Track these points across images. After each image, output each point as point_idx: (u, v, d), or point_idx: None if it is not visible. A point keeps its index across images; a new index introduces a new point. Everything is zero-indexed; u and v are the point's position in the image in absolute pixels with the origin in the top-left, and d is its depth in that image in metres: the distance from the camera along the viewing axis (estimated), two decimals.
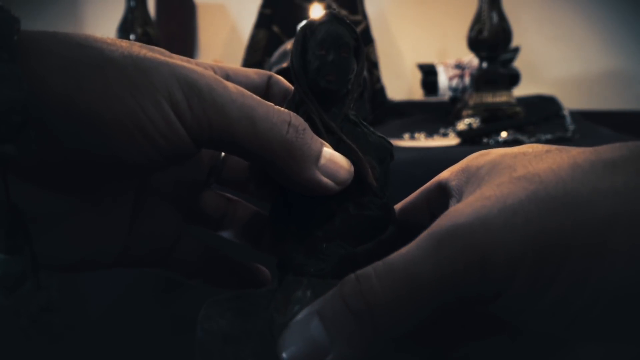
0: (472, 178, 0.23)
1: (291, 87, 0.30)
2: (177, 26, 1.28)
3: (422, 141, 0.84)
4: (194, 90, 0.23)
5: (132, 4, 0.96)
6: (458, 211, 0.20)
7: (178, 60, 0.25)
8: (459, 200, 0.23)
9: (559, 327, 0.20)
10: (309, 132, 0.25)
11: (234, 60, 1.17)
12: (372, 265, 0.21)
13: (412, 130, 0.88)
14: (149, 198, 0.29)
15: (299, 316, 0.21)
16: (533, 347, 0.23)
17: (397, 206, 0.29)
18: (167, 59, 0.24)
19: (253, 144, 0.24)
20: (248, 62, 1.06)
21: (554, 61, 1.44)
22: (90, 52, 0.23)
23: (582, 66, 1.44)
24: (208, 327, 0.25)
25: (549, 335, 0.20)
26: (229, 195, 0.32)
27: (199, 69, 0.24)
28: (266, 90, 0.30)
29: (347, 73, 0.26)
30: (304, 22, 0.27)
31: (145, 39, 0.96)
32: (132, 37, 0.95)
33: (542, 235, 0.19)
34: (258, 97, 0.24)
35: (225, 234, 0.32)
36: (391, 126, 0.96)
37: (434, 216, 0.26)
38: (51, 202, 0.25)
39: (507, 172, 0.21)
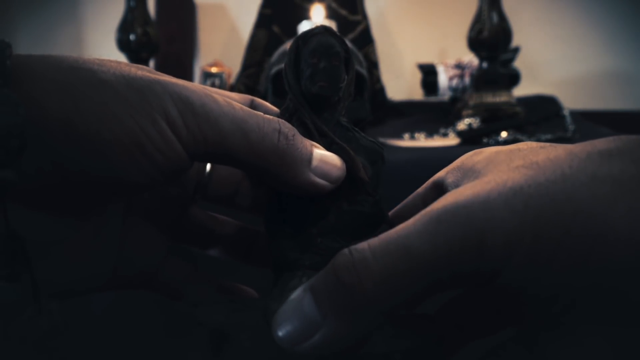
0: (469, 172, 0.23)
1: (273, 108, 0.31)
2: (177, 26, 1.28)
3: (422, 141, 0.84)
4: (187, 107, 0.23)
5: (132, 4, 0.96)
6: (458, 192, 0.20)
7: (167, 77, 0.26)
8: None
9: (560, 310, 0.20)
10: (299, 137, 0.25)
11: (234, 60, 1.17)
12: (367, 240, 0.21)
13: (412, 130, 0.88)
14: (136, 217, 0.29)
15: (293, 295, 0.22)
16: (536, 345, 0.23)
17: (394, 211, 0.29)
18: (157, 76, 0.24)
19: (247, 155, 0.24)
20: (248, 62, 1.06)
21: (554, 61, 1.44)
22: (83, 74, 0.23)
23: (582, 66, 1.44)
24: (203, 320, 0.26)
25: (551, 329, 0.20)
26: (214, 214, 0.33)
27: (190, 85, 0.24)
28: None
29: (338, 80, 0.27)
30: (297, 35, 0.28)
31: (145, 39, 0.96)
32: (132, 37, 0.95)
33: (540, 218, 0.19)
34: (247, 108, 0.25)
35: (213, 252, 0.32)
36: (391, 126, 0.96)
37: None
38: (48, 226, 0.25)
39: (505, 163, 0.22)
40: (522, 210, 0.19)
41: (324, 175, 0.26)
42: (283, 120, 0.26)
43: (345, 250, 0.21)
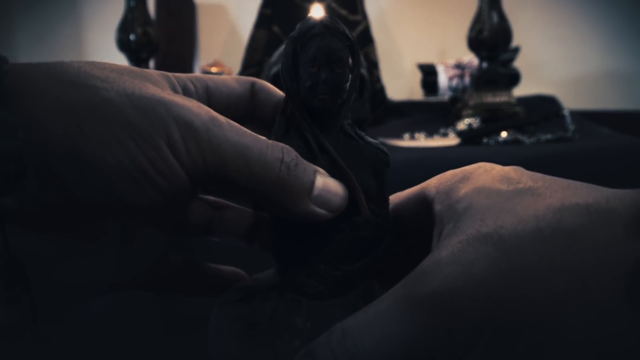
0: (451, 212, 0.24)
1: (277, 91, 0.30)
2: (177, 26, 1.28)
3: (422, 141, 0.84)
4: (190, 131, 0.23)
5: (132, 4, 0.96)
6: (430, 274, 0.22)
7: (167, 90, 0.25)
8: (440, 231, 0.25)
9: None
10: (301, 165, 0.25)
11: (234, 60, 1.17)
12: (355, 318, 0.23)
13: (412, 130, 0.88)
14: (136, 222, 0.28)
15: (299, 355, 0.24)
16: None
17: (392, 197, 0.29)
18: (162, 95, 0.24)
19: (246, 182, 0.24)
20: (248, 62, 1.06)
21: (554, 61, 1.44)
22: (85, 92, 0.22)
23: (582, 66, 1.44)
24: (219, 349, 0.26)
25: None
26: (215, 199, 0.32)
27: (194, 106, 0.24)
28: (251, 97, 0.30)
29: (341, 89, 0.25)
30: (293, 34, 0.26)
31: (145, 39, 0.96)
32: (132, 37, 0.95)
33: (499, 310, 0.21)
34: (252, 133, 0.24)
35: (216, 238, 0.32)
36: (391, 126, 0.96)
37: (420, 217, 0.27)
38: (49, 246, 0.24)
39: (478, 223, 0.23)
40: (484, 299, 0.21)
41: (324, 204, 0.25)
42: (287, 147, 0.25)
43: (338, 328, 0.23)
